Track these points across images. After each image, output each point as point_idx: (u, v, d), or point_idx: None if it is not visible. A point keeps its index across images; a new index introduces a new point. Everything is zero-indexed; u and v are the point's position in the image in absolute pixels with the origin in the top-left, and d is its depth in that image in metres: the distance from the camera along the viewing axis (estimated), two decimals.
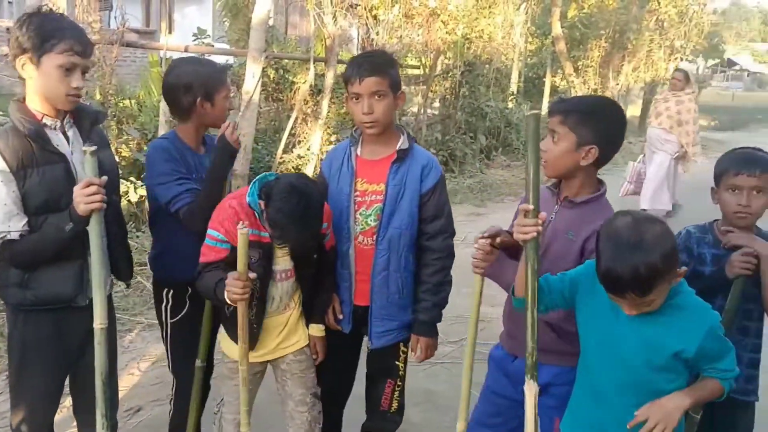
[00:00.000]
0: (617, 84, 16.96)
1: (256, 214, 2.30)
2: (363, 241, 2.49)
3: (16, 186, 2.07)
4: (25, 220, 2.10)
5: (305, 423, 2.51)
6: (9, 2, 17.19)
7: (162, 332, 2.71)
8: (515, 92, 14.97)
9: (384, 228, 2.46)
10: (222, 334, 2.57)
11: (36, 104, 2.14)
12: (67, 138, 2.21)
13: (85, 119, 2.27)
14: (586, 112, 2.15)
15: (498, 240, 2.14)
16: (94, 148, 2.00)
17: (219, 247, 2.30)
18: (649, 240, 1.70)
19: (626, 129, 2.24)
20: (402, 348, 2.62)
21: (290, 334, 2.51)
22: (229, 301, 2.21)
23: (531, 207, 1.80)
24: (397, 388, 2.65)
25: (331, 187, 2.52)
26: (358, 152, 2.51)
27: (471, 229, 6.48)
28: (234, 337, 2.45)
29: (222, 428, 2.53)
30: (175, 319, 2.64)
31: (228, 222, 2.29)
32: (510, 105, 13.90)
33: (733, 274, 2.11)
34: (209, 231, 2.33)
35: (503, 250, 2.19)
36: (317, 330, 2.56)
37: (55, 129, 2.18)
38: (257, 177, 2.34)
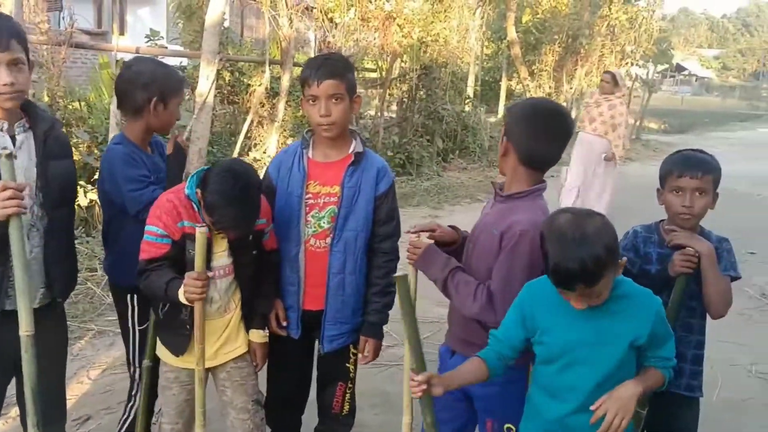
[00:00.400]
0: (571, 88, 17.28)
1: (195, 207, 2.27)
2: (315, 243, 2.47)
3: None
4: None
5: (248, 431, 2.47)
6: None
7: (129, 338, 2.64)
8: (472, 96, 15.11)
9: (339, 230, 2.45)
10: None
11: None
12: (14, 142, 2.14)
13: (40, 124, 2.21)
14: (515, 108, 2.29)
15: (429, 235, 2.24)
16: (9, 151, 1.94)
17: (159, 243, 2.26)
18: (591, 233, 1.75)
19: (562, 133, 2.18)
20: (352, 350, 2.60)
21: (230, 340, 2.45)
22: (185, 300, 2.18)
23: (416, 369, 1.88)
24: (348, 391, 2.64)
25: (281, 190, 2.49)
26: (310, 155, 2.50)
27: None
28: (167, 342, 2.42)
29: None
30: (143, 326, 2.59)
31: (166, 216, 2.26)
32: (467, 108, 14.01)
33: (675, 273, 2.17)
34: (148, 227, 2.28)
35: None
36: (258, 336, 2.50)
37: (1, 130, 2.12)
38: (195, 171, 2.31)
